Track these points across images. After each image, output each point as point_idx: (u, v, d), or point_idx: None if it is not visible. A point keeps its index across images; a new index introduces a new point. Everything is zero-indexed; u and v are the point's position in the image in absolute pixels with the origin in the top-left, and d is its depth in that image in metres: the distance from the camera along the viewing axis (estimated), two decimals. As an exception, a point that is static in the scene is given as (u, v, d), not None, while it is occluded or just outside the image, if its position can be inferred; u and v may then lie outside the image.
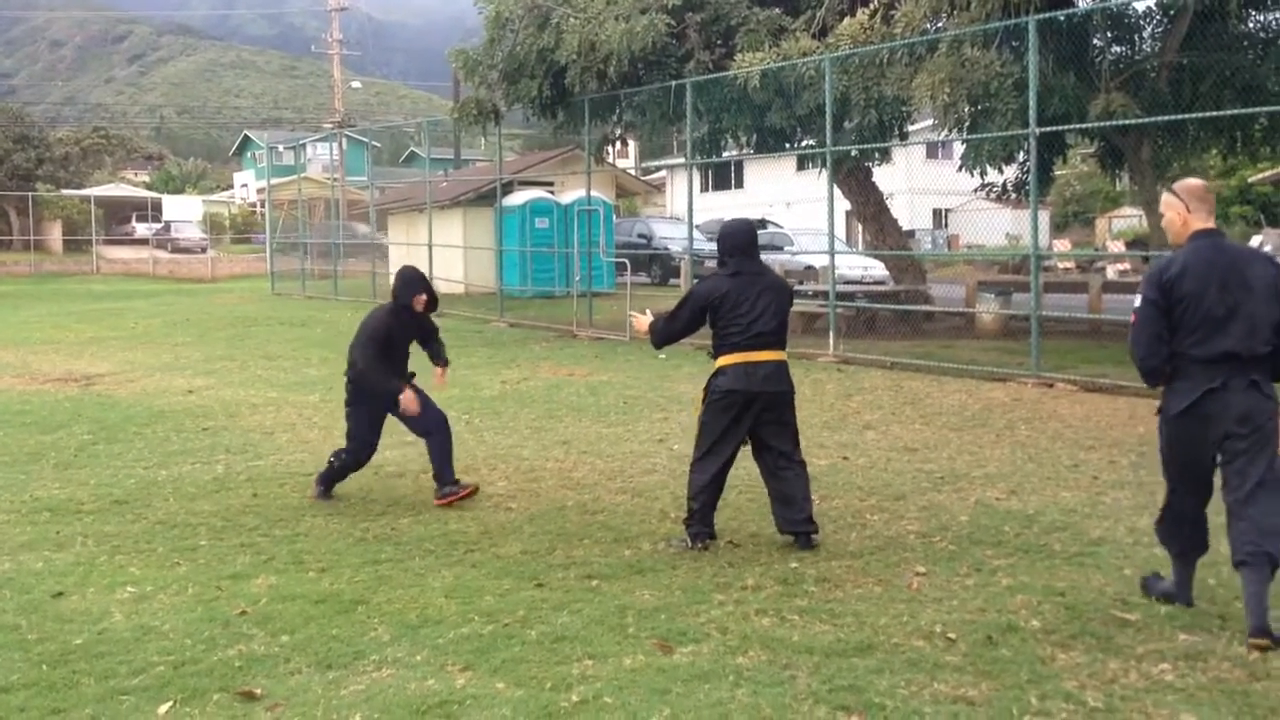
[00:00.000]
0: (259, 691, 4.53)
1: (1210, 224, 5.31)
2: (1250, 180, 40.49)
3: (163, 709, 4.37)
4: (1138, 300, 5.27)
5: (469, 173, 36.71)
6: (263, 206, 54.07)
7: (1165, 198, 5.47)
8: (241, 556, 6.51)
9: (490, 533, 6.94)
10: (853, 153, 18.33)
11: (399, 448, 9.67)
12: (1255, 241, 31.89)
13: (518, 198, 27.19)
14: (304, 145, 61.07)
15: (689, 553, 6.45)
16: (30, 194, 50.27)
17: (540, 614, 5.40)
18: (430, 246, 25.29)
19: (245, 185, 76.45)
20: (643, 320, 7.01)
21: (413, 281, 7.87)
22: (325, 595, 5.72)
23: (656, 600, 5.61)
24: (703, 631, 5.15)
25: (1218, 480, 5.19)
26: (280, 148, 55.34)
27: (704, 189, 50.33)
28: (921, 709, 4.28)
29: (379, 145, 67.20)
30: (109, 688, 4.58)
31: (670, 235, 32.22)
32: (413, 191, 31.53)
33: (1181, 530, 5.36)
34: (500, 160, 25.82)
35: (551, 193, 28.29)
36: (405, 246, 29.73)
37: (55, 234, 53.53)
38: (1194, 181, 5.46)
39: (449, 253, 26.76)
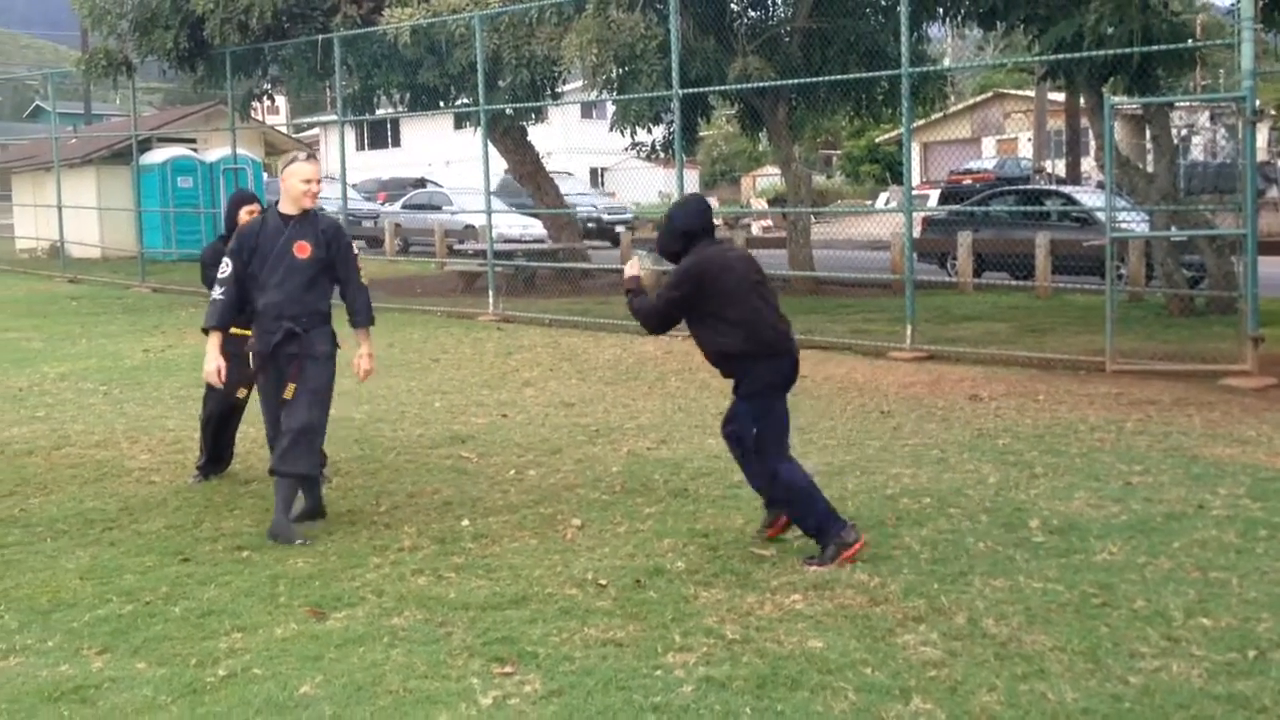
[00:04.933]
0: None
1: None
2: (877, 140, 43.48)
3: None
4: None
5: (102, 128, 34.38)
6: None
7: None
8: None
9: (131, 509, 6.60)
10: (507, 111, 18.39)
11: (27, 424, 9.05)
12: (882, 199, 34.29)
13: (157, 155, 25.68)
14: (-90, 97, 55.37)
15: (365, 518, 6.38)
16: None
17: (185, 589, 5.21)
18: (60, 208, 23.60)
19: None
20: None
21: None
22: (-57, 586, 5.30)
23: (310, 568, 5.51)
24: (358, 595, 5.11)
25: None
26: (-119, 99, 49.96)
27: (360, 147, 49.26)
28: (572, 654, 4.41)
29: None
30: None
31: (326, 195, 31.32)
32: (38, 149, 29.21)
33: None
34: (135, 115, 24.31)
35: (195, 150, 26.90)
36: (32, 208, 27.58)
37: None
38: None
39: (82, 214, 25.02)
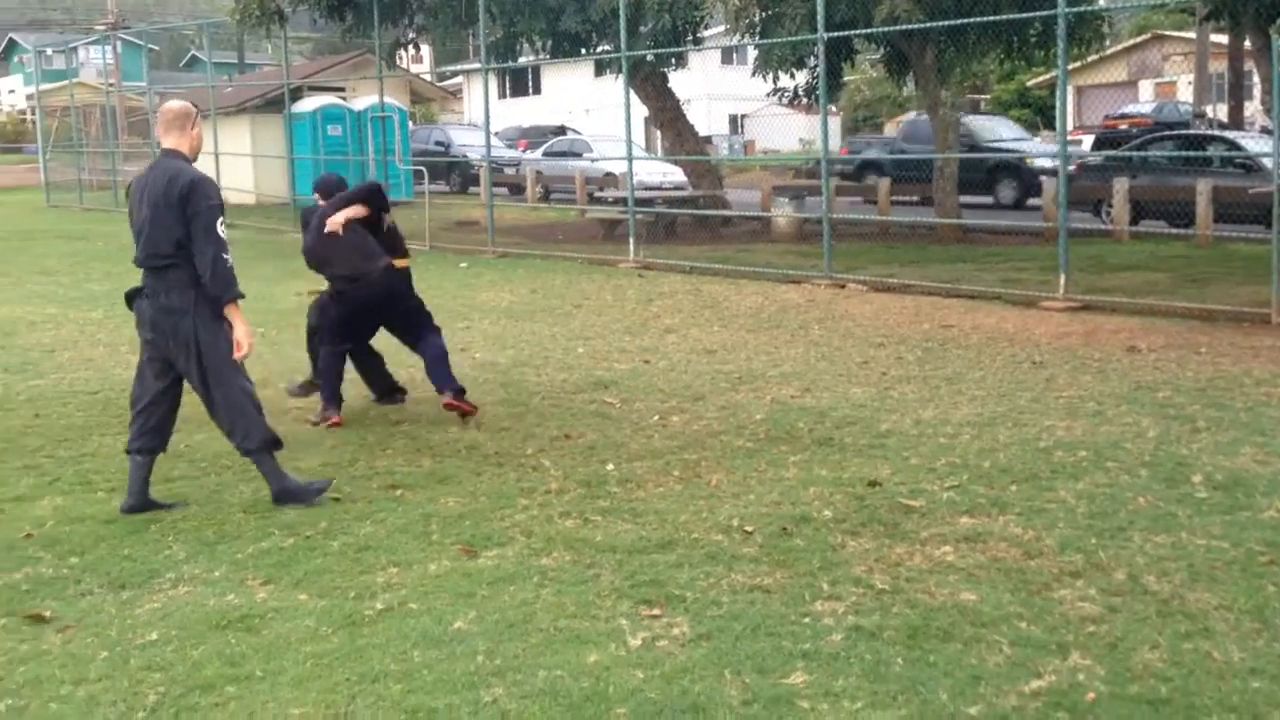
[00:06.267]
0: (48, 614, 4.38)
1: (169, 144, 5.73)
2: (1028, 84, 42.18)
3: (-57, 640, 4.18)
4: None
5: (255, 77, 35.30)
6: (33, 114, 50.87)
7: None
8: (25, 479, 6.23)
9: (290, 445, 6.75)
10: (648, 58, 18.32)
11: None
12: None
13: (308, 104, 26.28)
14: (75, 48, 57.52)
15: (473, 456, 6.48)
16: None
17: (343, 525, 5.36)
18: (216, 155, 24.29)
19: (13, 91, 71.66)
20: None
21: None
22: (115, 515, 5.54)
23: (461, 507, 5.62)
24: (507, 535, 5.20)
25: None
26: (49, 51, 51.94)
27: (502, 95, 49.65)
28: (719, 599, 4.42)
29: (157, 48, 63.67)
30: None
31: (468, 142, 31.70)
32: (195, 98, 30.11)
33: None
34: (287, 64, 24.86)
35: (344, 99, 27.43)
36: (190, 155, 28.44)
37: None
38: (171, 105, 5.91)
39: (237, 161, 25.75)
